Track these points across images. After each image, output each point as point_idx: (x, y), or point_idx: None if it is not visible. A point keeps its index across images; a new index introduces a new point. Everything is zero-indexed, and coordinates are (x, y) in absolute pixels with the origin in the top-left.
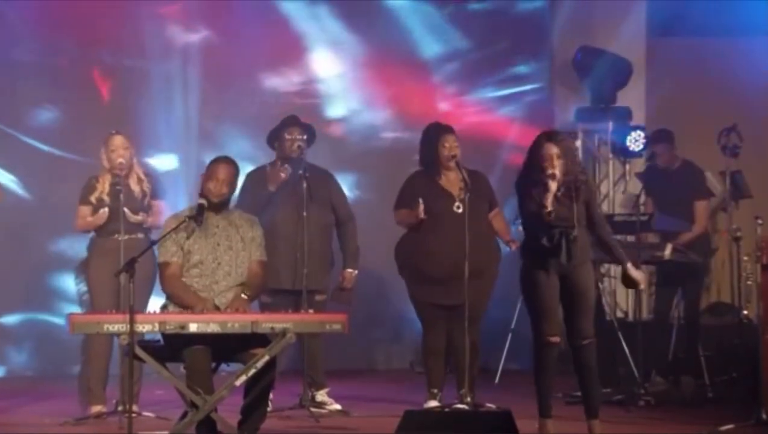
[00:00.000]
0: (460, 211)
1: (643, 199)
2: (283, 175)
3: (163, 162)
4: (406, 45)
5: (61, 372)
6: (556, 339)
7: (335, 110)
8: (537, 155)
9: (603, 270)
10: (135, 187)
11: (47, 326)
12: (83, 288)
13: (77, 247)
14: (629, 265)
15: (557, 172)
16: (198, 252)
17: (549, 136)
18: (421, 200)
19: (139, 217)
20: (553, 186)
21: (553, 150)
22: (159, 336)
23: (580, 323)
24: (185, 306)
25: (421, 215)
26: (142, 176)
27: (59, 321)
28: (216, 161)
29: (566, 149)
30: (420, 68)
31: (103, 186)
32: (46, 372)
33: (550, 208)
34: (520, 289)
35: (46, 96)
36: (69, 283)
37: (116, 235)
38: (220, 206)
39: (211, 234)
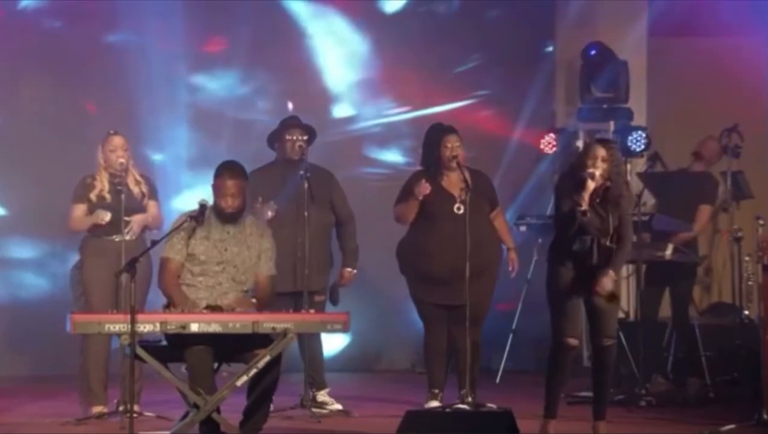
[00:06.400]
0: (461, 211)
1: (644, 199)
2: (270, 213)
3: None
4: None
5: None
6: (574, 341)
7: (339, 110)
8: (584, 156)
9: None
10: (134, 189)
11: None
12: (78, 289)
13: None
14: (609, 272)
15: (597, 172)
16: (204, 252)
17: (600, 140)
18: (424, 181)
19: (144, 217)
20: (590, 184)
21: (601, 152)
22: (162, 337)
23: (604, 323)
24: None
25: (426, 190)
26: (139, 177)
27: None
28: (222, 175)
29: (614, 157)
30: (420, 68)
31: (102, 184)
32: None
33: (585, 207)
34: (545, 288)
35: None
36: (27, 283)
37: (114, 236)
38: (234, 217)
39: (221, 239)
